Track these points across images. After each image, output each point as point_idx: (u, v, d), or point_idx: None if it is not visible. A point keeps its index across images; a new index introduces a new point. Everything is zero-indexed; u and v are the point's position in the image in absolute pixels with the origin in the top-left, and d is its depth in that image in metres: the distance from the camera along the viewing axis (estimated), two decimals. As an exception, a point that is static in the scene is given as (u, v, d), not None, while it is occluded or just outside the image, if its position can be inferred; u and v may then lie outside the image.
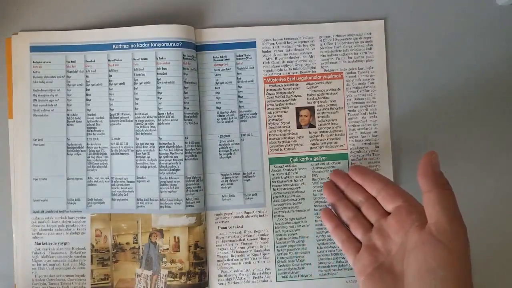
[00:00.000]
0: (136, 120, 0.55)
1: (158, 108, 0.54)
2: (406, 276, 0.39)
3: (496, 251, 0.55)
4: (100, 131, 0.56)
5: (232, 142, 0.56)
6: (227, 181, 0.56)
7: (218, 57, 0.56)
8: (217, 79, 0.56)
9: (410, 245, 0.40)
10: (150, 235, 0.54)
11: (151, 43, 0.55)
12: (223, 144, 0.56)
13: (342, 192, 0.51)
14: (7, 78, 0.56)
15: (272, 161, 0.56)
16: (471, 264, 0.37)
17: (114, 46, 0.56)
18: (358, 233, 0.47)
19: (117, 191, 0.55)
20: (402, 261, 0.41)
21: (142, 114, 0.55)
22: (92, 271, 0.55)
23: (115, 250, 0.55)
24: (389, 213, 0.45)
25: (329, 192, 0.51)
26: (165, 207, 0.54)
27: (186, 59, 0.54)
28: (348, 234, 0.48)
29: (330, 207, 0.52)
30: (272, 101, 0.56)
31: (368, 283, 0.42)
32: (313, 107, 0.56)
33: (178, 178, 0.54)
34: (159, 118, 0.54)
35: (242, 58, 0.56)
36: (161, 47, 0.54)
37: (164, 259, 0.54)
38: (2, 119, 0.56)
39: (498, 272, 0.55)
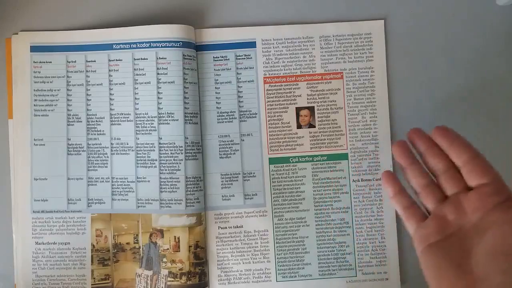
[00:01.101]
0: (136, 120, 0.55)
1: (159, 108, 0.54)
2: (477, 254, 0.36)
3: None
4: (100, 131, 0.56)
5: (232, 142, 0.56)
6: (227, 181, 0.56)
7: (218, 57, 0.56)
8: (217, 79, 0.56)
9: (488, 224, 0.37)
10: (150, 235, 0.54)
11: (151, 43, 0.55)
12: (223, 144, 0.56)
13: (416, 156, 0.44)
14: (7, 78, 0.56)
15: (272, 161, 0.56)
16: None
17: (114, 46, 0.56)
18: (429, 202, 0.41)
19: (118, 191, 0.55)
20: (473, 238, 0.37)
21: (143, 114, 0.55)
22: (92, 271, 0.55)
23: (115, 250, 0.55)
24: (470, 188, 0.40)
25: (401, 152, 0.43)
26: (166, 207, 0.54)
27: (187, 59, 0.54)
28: (412, 201, 0.43)
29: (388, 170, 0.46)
30: (272, 101, 0.56)
31: (430, 253, 0.39)
32: (313, 107, 0.56)
33: (178, 178, 0.54)
34: (160, 118, 0.54)
35: (242, 58, 0.56)
36: (162, 47, 0.54)
37: (165, 259, 0.54)
38: (2, 119, 0.56)
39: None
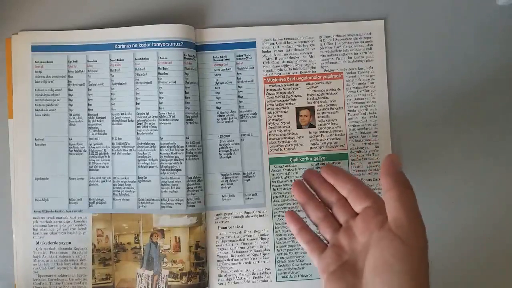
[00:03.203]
0: (137, 120, 0.55)
1: (159, 108, 0.54)
2: (365, 272, 0.39)
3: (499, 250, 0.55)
4: (101, 131, 0.56)
5: (232, 142, 0.56)
6: (227, 181, 0.56)
7: (218, 57, 0.56)
8: (217, 79, 0.56)
9: (371, 243, 0.40)
10: (151, 235, 0.54)
11: (152, 43, 0.55)
12: (223, 144, 0.56)
13: (313, 192, 0.50)
14: (7, 78, 0.56)
15: (272, 161, 0.56)
16: (428, 262, 0.37)
17: (115, 46, 0.56)
18: (326, 233, 0.46)
19: (119, 191, 0.55)
20: (364, 259, 0.40)
21: (144, 114, 0.55)
22: (93, 271, 0.55)
23: (116, 250, 0.55)
24: (358, 214, 0.44)
25: (299, 191, 0.49)
26: (166, 207, 0.54)
27: (187, 59, 0.54)
28: (313, 235, 0.47)
29: (291, 210, 0.51)
30: (272, 101, 0.56)
31: (330, 281, 0.42)
32: (313, 107, 0.56)
33: (179, 178, 0.54)
34: (160, 118, 0.54)
35: (242, 58, 0.56)
36: (163, 47, 0.54)
37: (165, 259, 0.54)
38: (2, 119, 0.56)
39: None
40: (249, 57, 0.56)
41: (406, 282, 0.36)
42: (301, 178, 0.51)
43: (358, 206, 0.44)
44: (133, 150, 0.55)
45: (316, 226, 0.47)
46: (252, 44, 0.56)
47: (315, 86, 0.56)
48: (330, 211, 0.47)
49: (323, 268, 0.43)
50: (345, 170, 0.48)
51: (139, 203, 0.55)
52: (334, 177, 0.47)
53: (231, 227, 0.55)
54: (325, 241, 0.46)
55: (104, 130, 0.56)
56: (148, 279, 0.54)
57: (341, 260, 0.42)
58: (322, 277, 0.43)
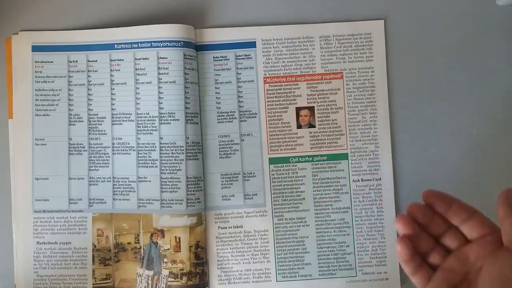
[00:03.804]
0: (137, 120, 0.55)
1: (160, 108, 0.54)
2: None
3: None
4: (102, 131, 0.56)
5: (232, 142, 0.56)
6: (227, 181, 0.56)
7: (218, 57, 0.56)
8: (217, 79, 0.56)
9: (486, 263, 0.39)
10: (151, 235, 0.54)
11: (152, 43, 0.55)
12: (223, 144, 0.56)
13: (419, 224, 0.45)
14: (7, 78, 0.56)
15: (272, 161, 0.56)
16: None
17: (116, 46, 0.56)
18: (435, 260, 0.43)
19: (119, 191, 0.55)
20: (477, 278, 0.39)
21: (144, 114, 0.55)
22: (93, 270, 0.55)
23: (116, 250, 0.55)
24: (470, 241, 0.42)
25: (404, 226, 0.44)
26: (166, 207, 0.54)
27: (187, 58, 0.54)
28: (420, 262, 0.44)
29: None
30: (272, 101, 0.56)
31: None
32: (313, 107, 0.56)
33: (179, 178, 0.54)
34: (161, 118, 0.54)
35: (242, 58, 0.56)
36: (163, 46, 0.54)
37: (165, 259, 0.54)
38: (2, 119, 0.56)
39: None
40: (249, 57, 0.56)
41: None
42: (404, 213, 0.45)
43: (474, 233, 0.42)
44: (133, 150, 0.55)
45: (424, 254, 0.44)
46: (252, 44, 0.56)
47: (315, 86, 0.56)
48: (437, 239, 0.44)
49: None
50: (452, 195, 0.44)
51: (139, 203, 0.55)
52: (446, 207, 0.44)
53: (231, 227, 0.55)
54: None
55: (104, 130, 0.56)
56: (148, 279, 0.54)
57: (452, 282, 0.41)
58: None
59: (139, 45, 0.55)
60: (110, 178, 0.55)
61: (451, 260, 0.42)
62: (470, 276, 0.41)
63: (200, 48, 0.56)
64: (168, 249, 0.54)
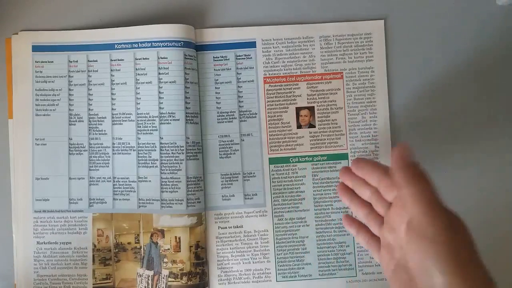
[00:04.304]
0: (138, 120, 0.55)
1: (160, 107, 0.54)
2: (412, 272, 0.37)
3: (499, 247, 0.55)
4: (102, 130, 0.56)
5: (232, 142, 0.56)
6: (227, 181, 0.56)
7: (218, 57, 0.56)
8: (217, 79, 0.56)
9: (405, 243, 0.38)
10: (151, 235, 0.54)
11: (152, 43, 0.55)
12: (223, 144, 0.56)
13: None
14: (7, 78, 0.56)
15: (272, 161, 0.56)
16: (471, 241, 0.35)
17: (116, 46, 0.56)
18: (374, 230, 0.44)
19: (119, 191, 0.55)
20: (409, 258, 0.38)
21: (144, 113, 0.55)
22: (94, 270, 0.55)
23: (116, 250, 0.55)
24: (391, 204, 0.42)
25: (341, 193, 0.49)
26: (167, 207, 0.54)
27: (188, 58, 0.54)
28: (370, 234, 0.46)
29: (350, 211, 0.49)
30: (272, 101, 0.56)
31: (391, 281, 0.40)
32: (313, 107, 0.56)
33: (179, 178, 0.54)
34: (161, 118, 0.54)
35: (242, 58, 0.56)
36: (163, 46, 0.54)
37: (165, 259, 0.54)
38: (2, 119, 0.56)
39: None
40: (249, 57, 0.56)
41: (454, 279, 0.33)
42: (341, 182, 0.50)
43: (389, 196, 0.41)
44: (134, 150, 0.55)
45: (366, 224, 0.46)
46: (252, 44, 0.56)
47: (315, 86, 0.56)
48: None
49: (385, 269, 0.42)
50: (373, 160, 0.46)
51: (140, 203, 0.55)
52: (361, 170, 0.46)
53: (231, 227, 0.56)
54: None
55: (105, 130, 0.56)
56: (148, 279, 0.54)
57: (395, 259, 0.40)
58: (386, 277, 0.42)
59: (139, 45, 0.55)
60: (110, 178, 0.55)
61: (385, 231, 0.42)
62: (403, 250, 0.38)
63: (200, 48, 0.56)
64: (168, 249, 0.54)
